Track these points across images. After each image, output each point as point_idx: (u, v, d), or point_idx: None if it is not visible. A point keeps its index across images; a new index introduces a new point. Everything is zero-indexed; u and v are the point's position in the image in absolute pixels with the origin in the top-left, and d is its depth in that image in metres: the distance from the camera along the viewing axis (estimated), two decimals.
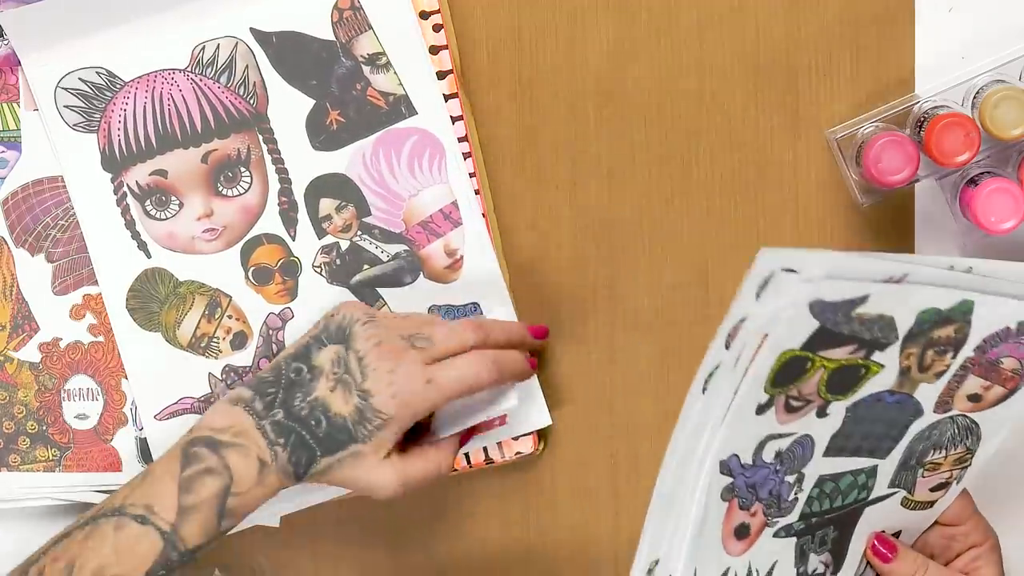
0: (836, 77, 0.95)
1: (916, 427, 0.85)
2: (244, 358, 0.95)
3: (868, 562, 0.87)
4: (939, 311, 0.81)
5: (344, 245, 0.94)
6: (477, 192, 0.95)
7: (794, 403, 0.81)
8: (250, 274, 0.95)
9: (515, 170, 0.96)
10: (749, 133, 0.95)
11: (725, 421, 0.81)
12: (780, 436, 0.82)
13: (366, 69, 0.93)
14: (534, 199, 0.96)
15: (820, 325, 0.78)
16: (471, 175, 0.94)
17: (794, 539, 0.85)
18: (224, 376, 0.95)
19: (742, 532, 0.84)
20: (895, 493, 0.86)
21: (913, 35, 0.95)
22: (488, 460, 0.96)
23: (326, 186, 0.94)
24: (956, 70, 0.94)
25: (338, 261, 0.94)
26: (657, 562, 0.83)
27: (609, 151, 0.95)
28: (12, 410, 0.96)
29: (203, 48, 0.93)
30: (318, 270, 0.94)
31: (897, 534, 0.88)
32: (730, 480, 0.83)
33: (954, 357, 0.83)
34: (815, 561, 0.86)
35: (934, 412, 0.84)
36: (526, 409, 0.94)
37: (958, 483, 0.87)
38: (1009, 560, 0.91)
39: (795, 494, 0.84)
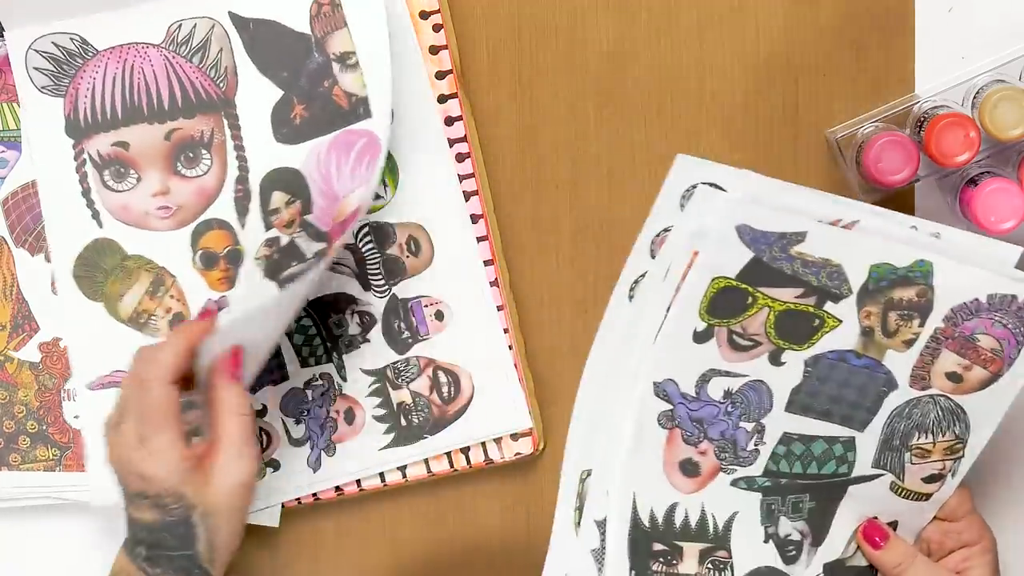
0: (836, 77, 0.95)
1: (892, 401, 0.85)
2: None
3: (859, 546, 0.88)
4: (894, 268, 0.83)
5: (284, 240, 0.94)
6: (485, 244, 0.95)
7: (739, 340, 0.83)
8: (197, 257, 0.95)
9: (515, 170, 0.96)
10: (749, 133, 0.95)
11: (658, 339, 0.83)
12: (728, 374, 0.84)
13: (336, 67, 0.93)
14: (534, 199, 0.96)
15: (754, 256, 0.80)
16: (460, 176, 0.94)
17: (759, 495, 0.86)
18: None
19: (689, 468, 0.85)
20: (881, 475, 0.87)
21: (913, 35, 0.95)
22: (488, 460, 0.96)
23: (281, 179, 0.94)
24: (956, 70, 0.94)
25: (276, 255, 0.94)
26: (589, 473, 0.84)
27: (609, 151, 0.95)
28: (12, 410, 0.96)
29: (179, 26, 0.93)
30: (259, 263, 0.94)
31: (894, 525, 0.88)
32: (668, 407, 0.84)
33: (921, 325, 0.84)
34: (788, 526, 0.87)
35: (911, 387, 0.85)
36: (508, 412, 0.94)
37: (953, 476, 0.87)
38: (1006, 561, 0.91)
39: (755, 445, 0.85)
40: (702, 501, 0.86)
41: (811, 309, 0.83)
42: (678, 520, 0.86)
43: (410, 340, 0.94)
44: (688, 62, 0.95)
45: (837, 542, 0.88)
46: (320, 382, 0.94)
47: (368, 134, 0.92)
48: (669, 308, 0.82)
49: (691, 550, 0.86)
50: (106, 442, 0.84)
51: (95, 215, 0.94)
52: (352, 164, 0.93)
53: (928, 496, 0.88)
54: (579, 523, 0.85)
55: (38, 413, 0.96)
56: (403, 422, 0.94)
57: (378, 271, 0.94)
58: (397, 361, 0.94)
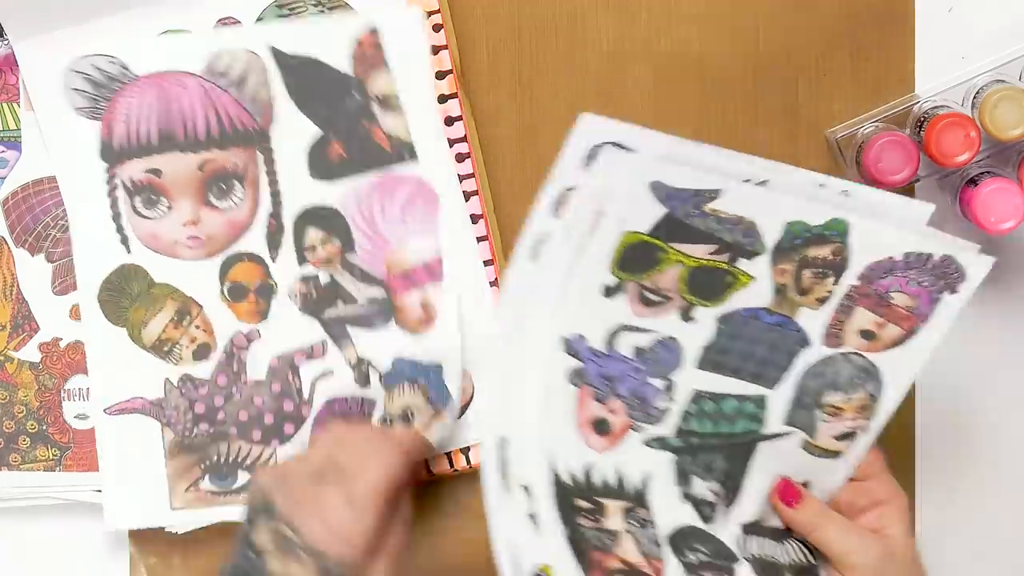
0: (836, 77, 0.95)
1: (805, 359, 0.85)
2: (203, 370, 0.95)
3: (774, 506, 0.87)
4: (808, 226, 0.83)
5: (323, 278, 0.94)
6: (484, 244, 0.95)
7: (650, 296, 0.83)
8: (225, 289, 0.95)
9: (515, 170, 0.96)
10: (749, 133, 0.95)
11: (567, 294, 0.82)
12: (638, 330, 0.84)
13: (376, 108, 0.93)
14: (534, 199, 0.96)
15: (668, 213, 0.81)
16: (460, 177, 0.94)
17: (671, 455, 0.86)
18: (180, 384, 0.95)
19: (601, 427, 0.85)
20: (792, 433, 0.86)
21: (913, 35, 0.95)
22: None
23: (316, 216, 0.94)
24: (956, 70, 0.94)
25: (314, 293, 0.94)
26: (506, 441, 0.84)
27: None
28: (12, 410, 0.96)
29: (220, 56, 0.93)
30: (293, 298, 0.94)
31: (807, 485, 0.87)
32: (578, 364, 0.84)
33: (836, 283, 0.84)
34: (702, 487, 0.86)
35: (824, 345, 0.85)
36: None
37: (865, 433, 0.86)
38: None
39: (665, 403, 0.85)
40: (616, 459, 0.86)
41: (724, 266, 0.83)
42: (596, 477, 0.86)
43: None
44: (688, 62, 0.95)
45: (752, 503, 0.87)
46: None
47: (417, 180, 0.94)
48: (576, 264, 0.82)
49: (613, 506, 0.86)
50: (318, 489, 0.82)
51: (124, 240, 0.94)
52: (401, 209, 0.94)
53: (839, 454, 0.87)
54: (508, 489, 0.84)
55: (38, 413, 0.96)
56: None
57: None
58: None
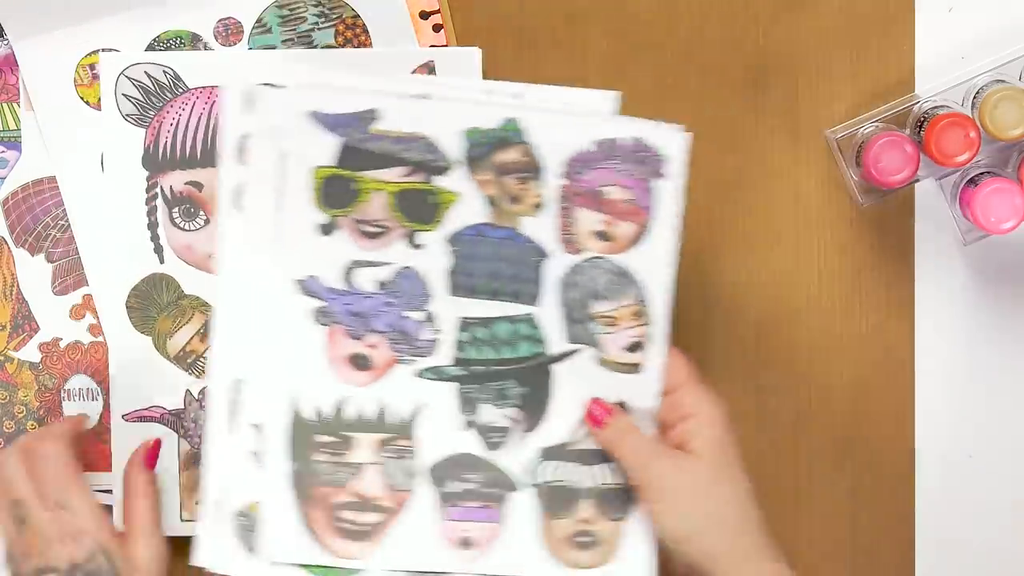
0: (836, 77, 0.95)
1: (553, 270, 0.86)
2: None
3: (589, 429, 0.86)
4: (484, 131, 0.85)
5: None
6: None
7: (367, 228, 0.85)
8: None
9: None
10: (749, 133, 0.95)
11: (284, 238, 0.84)
12: (372, 264, 0.85)
13: None
14: None
15: (344, 142, 0.84)
16: None
17: (454, 385, 0.86)
18: (200, 397, 0.95)
19: (361, 362, 0.86)
20: (580, 350, 0.86)
21: (913, 35, 0.95)
22: None
23: None
24: (956, 70, 0.94)
25: None
26: (241, 382, 0.85)
27: None
28: (13, 410, 0.96)
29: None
30: None
31: (622, 406, 0.87)
32: (320, 303, 0.85)
33: (541, 186, 0.85)
34: (494, 414, 0.86)
35: (566, 253, 0.86)
36: None
37: (652, 342, 0.86)
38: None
39: (432, 334, 0.86)
40: (380, 393, 0.86)
41: (423, 186, 0.85)
42: (350, 412, 0.86)
43: None
44: (688, 62, 0.95)
45: (560, 426, 0.87)
46: None
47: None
48: (279, 208, 0.84)
49: (365, 439, 0.86)
50: (11, 550, 0.84)
51: (158, 249, 0.94)
52: None
53: (638, 367, 0.87)
54: (234, 430, 0.85)
55: (38, 413, 0.96)
56: None
57: None
58: None
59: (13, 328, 0.96)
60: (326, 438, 0.86)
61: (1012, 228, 0.90)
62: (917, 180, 0.93)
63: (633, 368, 0.86)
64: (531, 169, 0.85)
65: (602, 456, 0.86)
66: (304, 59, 0.92)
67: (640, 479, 0.83)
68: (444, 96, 0.84)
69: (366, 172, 0.84)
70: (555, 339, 0.86)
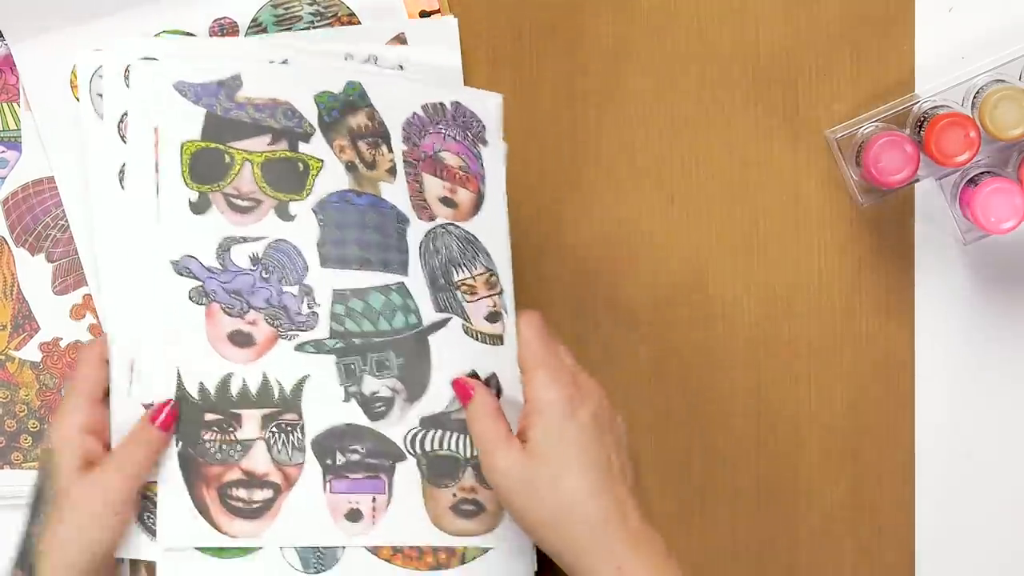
0: (836, 77, 0.95)
1: (413, 236, 0.86)
2: None
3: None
4: (334, 95, 0.85)
5: None
6: None
7: (239, 202, 0.85)
8: None
9: (515, 170, 0.96)
10: (749, 133, 0.95)
11: (159, 218, 0.84)
12: (246, 240, 0.85)
13: None
14: (534, 197, 0.96)
15: (208, 112, 0.83)
16: None
17: (333, 357, 0.86)
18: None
19: (241, 339, 0.85)
20: (449, 319, 0.86)
21: (913, 35, 0.95)
22: None
23: None
24: (956, 70, 0.94)
25: None
26: (134, 362, 0.85)
27: (609, 151, 0.95)
28: (14, 408, 0.96)
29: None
30: None
31: (492, 377, 0.87)
32: (197, 283, 0.85)
33: (390, 151, 0.85)
34: (375, 384, 0.86)
35: (420, 219, 0.86)
36: None
37: (508, 314, 0.87)
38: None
39: (309, 308, 0.85)
40: (263, 369, 0.85)
41: (289, 154, 0.84)
42: (234, 389, 0.85)
43: None
44: (688, 62, 0.95)
45: (440, 395, 0.86)
46: None
47: None
48: (158, 188, 0.84)
49: (251, 415, 0.85)
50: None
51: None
52: None
53: (500, 338, 0.86)
54: (128, 412, 0.85)
55: (39, 412, 0.96)
56: None
57: None
58: None
59: (14, 328, 0.96)
60: (212, 416, 0.84)
61: (1012, 228, 0.90)
62: (917, 180, 0.93)
63: (497, 340, 0.86)
64: (379, 134, 0.84)
65: None
66: (282, 43, 0.91)
67: (484, 466, 0.82)
68: (307, 61, 0.84)
69: (233, 143, 0.83)
70: (426, 308, 0.86)
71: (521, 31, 0.95)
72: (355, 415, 0.86)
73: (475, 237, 0.86)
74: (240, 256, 0.85)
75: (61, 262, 0.96)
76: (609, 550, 0.79)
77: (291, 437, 0.85)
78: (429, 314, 0.86)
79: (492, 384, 0.87)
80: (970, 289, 0.96)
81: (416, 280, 0.86)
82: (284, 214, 0.85)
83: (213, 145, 0.84)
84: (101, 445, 0.84)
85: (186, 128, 0.83)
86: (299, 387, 0.86)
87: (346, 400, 0.86)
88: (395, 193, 0.85)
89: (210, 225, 0.85)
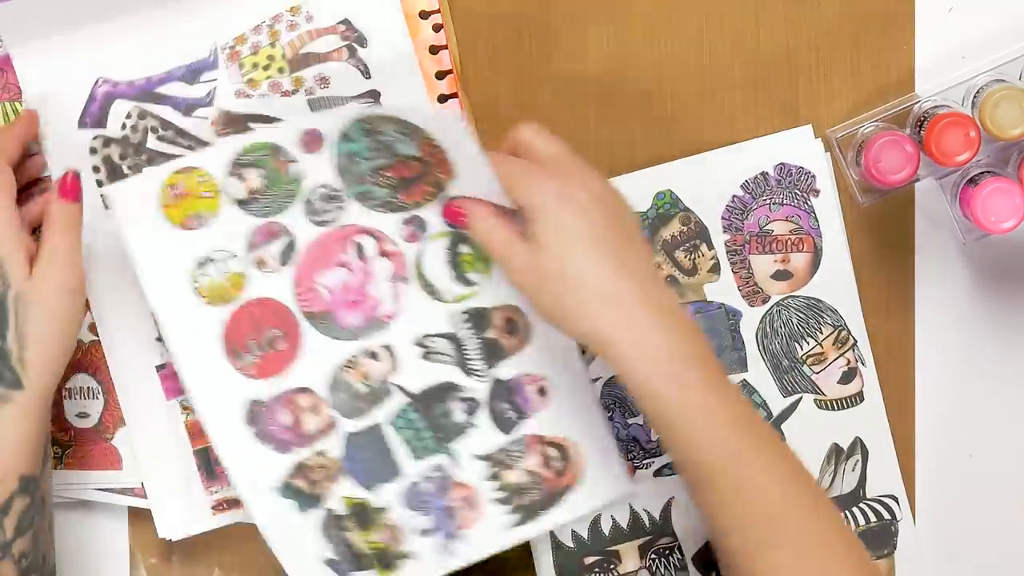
0: (836, 77, 0.95)
1: (748, 327, 0.88)
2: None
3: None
4: (642, 213, 0.87)
5: None
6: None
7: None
8: None
9: None
10: (749, 133, 0.95)
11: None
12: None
13: None
14: None
15: None
16: None
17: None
18: None
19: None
20: (800, 400, 0.88)
21: (913, 35, 0.95)
22: None
23: None
24: (956, 70, 0.94)
25: None
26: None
27: (609, 151, 0.95)
28: None
29: None
30: None
31: (855, 446, 0.89)
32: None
33: (711, 247, 0.88)
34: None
35: (753, 307, 0.88)
36: (611, 479, 0.92)
37: (865, 365, 0.89)
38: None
39: (656, 434, 0.90)
40: (628, 502, 0.90)
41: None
42: (606, 527, 0.89)
43: (516, 419, 0.92)
44: (688, 62, 0.95)
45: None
46: (436, 473, 0.91)
47: None
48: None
49: (629, 548, 0.88)
50: None
51: None
52: None
53: (858, 396, 0.88)
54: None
55: None
56: (525, 501, 0.92)
57: (479, 356, 0.92)
58: (506, 443, 0.92)
59: None
60: (592, 559, 0.91)
61: (1012, 228, 0.90)
62: (917, 180, 0.93)
63: (855, 399, 0.89)
64: (696, 235, 0.89)
65: None
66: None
67: (507, 274, 0.83)
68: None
69: None
70: (773, 397, 0.88)
71: (521, 31, 0.95)
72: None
73: (817, 300, 0.86)
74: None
75: None
76: (631, 324, 0.79)
77: (671, 559, 0.88)
78: (777, 402, 0.86)
79: (857, 450, 0.89)
80: (970, 288, 0.96)
81: (758, 371, 0.86)
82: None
83: None
84: (32, 237, 0.87)
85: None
86: (667, 510, 0.89)
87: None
88: (721, 289, 0.85)
89: None
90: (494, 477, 0.90)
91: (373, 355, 0.90)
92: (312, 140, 0.88)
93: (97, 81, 0.93)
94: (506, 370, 0.90)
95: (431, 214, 0.88)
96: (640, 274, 0.80)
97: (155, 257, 0.88)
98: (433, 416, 0.90)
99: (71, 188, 0.87)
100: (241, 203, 0.88)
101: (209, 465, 0.94)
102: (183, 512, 0.94)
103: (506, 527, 0.90)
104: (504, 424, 0.91)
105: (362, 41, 0.93)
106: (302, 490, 0.89)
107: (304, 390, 0.89)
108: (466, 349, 0.90)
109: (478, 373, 0.90)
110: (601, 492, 0.90)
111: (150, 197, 0.88)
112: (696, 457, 0.78)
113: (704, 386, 0.77)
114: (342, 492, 0.89)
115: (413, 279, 0.89)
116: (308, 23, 0.93)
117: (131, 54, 0.93)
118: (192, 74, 0.93)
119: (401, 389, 0.90)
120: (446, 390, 0.90)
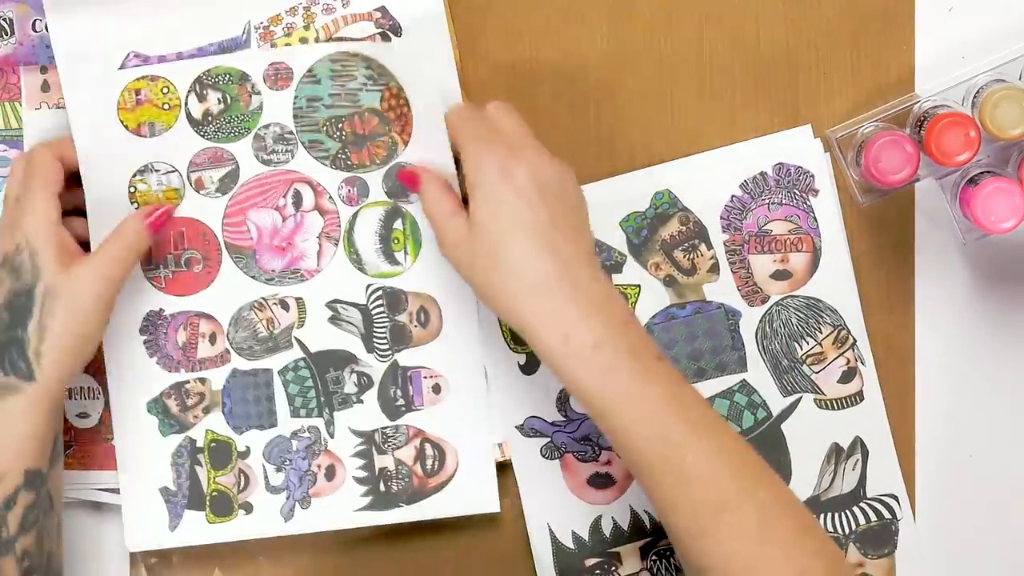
0: (836, 77, 0.95)
1: (747, 327, 0.88)
2: None
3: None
4: (641, 213, 0.88)
5: None
6: None
7: None
8: None
9: None
10: (749, 133, 0.95)
11: (489, 390, 0.89)
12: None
13: None
14: None
15: None
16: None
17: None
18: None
19: (601, 481, 0.89)
20: (799, 399, 0.88)
21: (913, 35, 0.95)
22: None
23: None
24: (956, 70, 0.94)
25: None
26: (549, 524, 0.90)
27: (609, 151, 0.95)
28: None
29: None
30: None
31: (855, 445, 0.89)
32: (544, 439, 0.89)
33: (709, 247, 0.88)
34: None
35: (752, 307, 0.88)
36: (481, 493, 0.93)
37: (865, 365, 0.89)
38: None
39: None
40: (628, 503, 0.89)
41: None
42: (606, 530, 0.89)
43: (403, 408, 0.93)
44: (688, 62, 0.95)
45: (806, 482, 0.90)
46: (307, 435, 0.93)
47: None
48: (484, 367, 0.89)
49: (629, 550, 0.88)
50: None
51: None
52: None
53: (858, 395, 0.88)
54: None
55: None
56: (382, 487, 0.93)
57: (384, 336, 0.93)
58: (387, 427, 0.93)
59: None
60: (593, 560, 0.91)
61: (1012, 228, 0.90)
62: (917, 180, 0.93)
63: (854, 399, 0.89)
64: (695, 235, 0.88)
65: None
66: None
67: (440, 245, 0.84)
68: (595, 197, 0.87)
69: None
70: (773, 397, 0.88)
71: (521, 31, 0.95)
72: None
73: (816, 300, 0.86)
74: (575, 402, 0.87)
75: None
76: (557, 315, 0.79)
77: (672, 560, 0.88)
78: (777, 402, 0.86)
79: (857, 449, 0.89)
80: (970, 288, 0.96)
81: (757, 371, 0.87)
82: None
83: None
84: (71, 235, 0.87)
85: None
86: None
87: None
88: (720, 289, 0.85)
89: (543, 381, 0.88)
90: (363, 455, 0.92)
91: (284, 304, 0.91)
92: (281, 77, 0.89)
93: (128, 55, 0.93)
94: (407, 357, 0.92)
95: (375, 180, 0.90)
96: (573, 264, 0.80)
97: (99, 156, 0.89)
98: (324, 380, 0.92)
99: (158, 221, 0.89)
100: (194, 123, 0.90)
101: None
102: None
103: (354, 508, 0.92)
104: (389, 409, 0.92)
105: (396, 30, 0.93)
106: (169, 410, 0.91)
107: (207, 316, 0.91)
108: (374, 326, 0.91)
109: (380, 352, 0.91)
110: (463, 505, 0.92)
111: (110, 100, 0.90)
112: (628, 444, 0.78)
113: (631, 376, 0.77)
114: (209, 425, 0.91)
115: (342, 242, 0.90)
116: (344, 7, 0.93)
117: (163, 30, 0.93)
118: (223, 51, 0.93)
119: (301, 344, 0.91)
120: (344, 359, 0.92)
